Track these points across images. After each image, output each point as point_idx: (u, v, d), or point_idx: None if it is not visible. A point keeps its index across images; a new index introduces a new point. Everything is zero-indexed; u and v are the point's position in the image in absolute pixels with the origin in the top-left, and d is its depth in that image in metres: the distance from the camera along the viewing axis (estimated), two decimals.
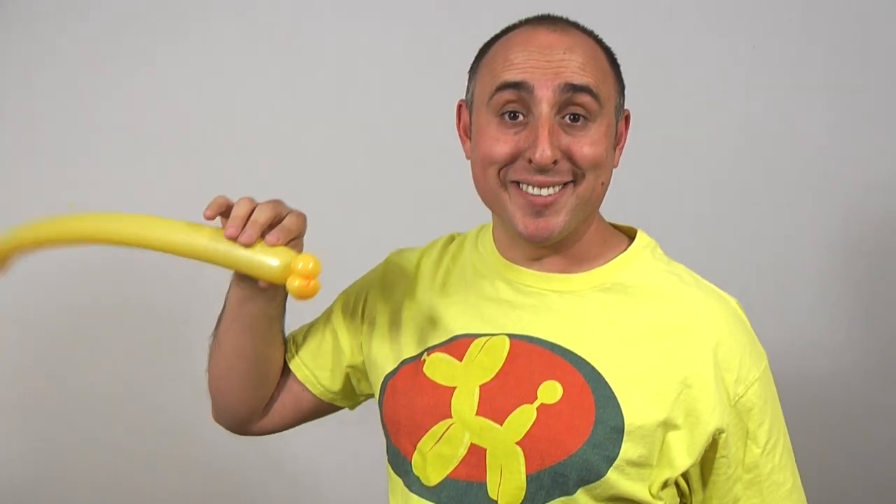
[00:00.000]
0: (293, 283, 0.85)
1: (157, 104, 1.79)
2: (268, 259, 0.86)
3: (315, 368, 1.10)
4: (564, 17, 0.95)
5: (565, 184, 0.89)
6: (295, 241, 0.89)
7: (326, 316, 1.13)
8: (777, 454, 0.95)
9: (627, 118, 0.98)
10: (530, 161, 0.88)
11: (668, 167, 1.82)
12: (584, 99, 0.88)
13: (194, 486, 1.84)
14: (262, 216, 0.86)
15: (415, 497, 0.95)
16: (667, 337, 0.91)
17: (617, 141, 0.96)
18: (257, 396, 1.08)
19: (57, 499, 1.82)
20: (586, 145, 0.89)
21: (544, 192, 0.89)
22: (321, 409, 1.14)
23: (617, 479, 0.87)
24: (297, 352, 1.11)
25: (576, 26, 0.95)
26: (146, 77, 1.78)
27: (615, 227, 1.02)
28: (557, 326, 0.93)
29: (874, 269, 1.86)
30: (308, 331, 1.13)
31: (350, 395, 1.13)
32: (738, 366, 0.91)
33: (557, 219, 0.90)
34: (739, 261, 1.80)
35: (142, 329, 1.81)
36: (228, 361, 1.04)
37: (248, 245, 0.86)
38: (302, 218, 0.90)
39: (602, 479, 0.87)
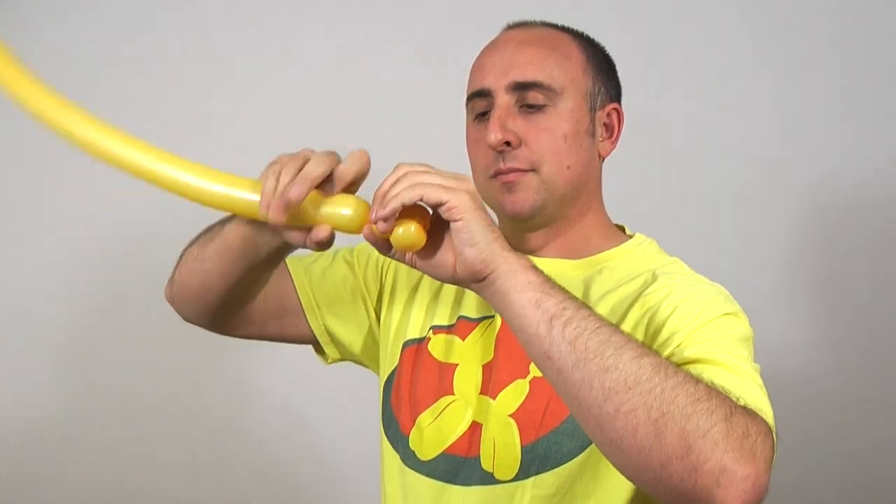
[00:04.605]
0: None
1: (156, 106, 1.79)
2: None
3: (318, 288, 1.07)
4: (550, 21, 0.98)
5: (525, 171, 0.93)
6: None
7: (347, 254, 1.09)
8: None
9: (618, 111, 1.00)
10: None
11: (668, 167, 1.82)
12: (533, 93, 0.93)
13: (196, 487, 1.85)
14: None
15: (410, 471, 0.97)
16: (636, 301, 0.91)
17: (609, 133, 0.99)
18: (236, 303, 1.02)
19: (58, 498, 1.82)
20: (542, 130, 0.93)
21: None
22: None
23: None
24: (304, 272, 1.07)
25: (549, 25, 0.98)
26: (146, 78, 1.79)
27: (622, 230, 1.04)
28: None
29: (875, 268, 1.86)
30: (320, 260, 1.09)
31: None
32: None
33: (527, 195, 0.94)
34: (738, 261, 1.79)
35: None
36: (210, 278, 0.99)
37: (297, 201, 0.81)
38: (330, 158, 0.85)
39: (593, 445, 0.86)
